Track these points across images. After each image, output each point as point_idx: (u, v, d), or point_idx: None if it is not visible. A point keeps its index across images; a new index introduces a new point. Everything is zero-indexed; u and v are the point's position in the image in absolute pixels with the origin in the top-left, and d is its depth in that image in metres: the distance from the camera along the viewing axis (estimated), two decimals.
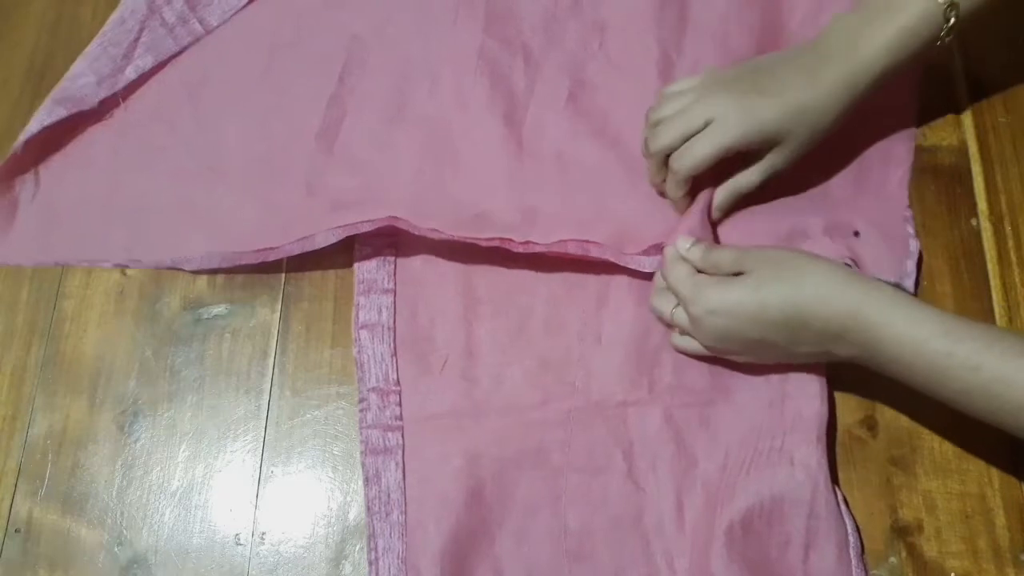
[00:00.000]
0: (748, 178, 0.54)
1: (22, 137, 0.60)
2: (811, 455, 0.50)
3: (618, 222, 0.56)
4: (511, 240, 0.54)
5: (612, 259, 0.55)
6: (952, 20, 0.50)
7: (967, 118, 0.60)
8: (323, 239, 0.55)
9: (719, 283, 0.49)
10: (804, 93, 0.51)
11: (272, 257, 0.57)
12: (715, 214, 0.55)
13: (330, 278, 0.58)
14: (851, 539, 0.49)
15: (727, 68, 0.54)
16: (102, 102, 0.62)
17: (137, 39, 0.64)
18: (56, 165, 0.62)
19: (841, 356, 0.48)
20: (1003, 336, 0.43)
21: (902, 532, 0.51)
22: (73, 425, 0.56)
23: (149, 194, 0.61)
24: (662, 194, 0.56)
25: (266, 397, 0.56)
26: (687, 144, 0.52)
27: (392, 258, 0.58)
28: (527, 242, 0.54)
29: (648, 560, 0.50)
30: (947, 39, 0.51)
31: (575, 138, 0.59)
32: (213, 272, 0.59)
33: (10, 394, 0.57)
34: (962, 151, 0.59)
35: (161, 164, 0.62)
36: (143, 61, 0.64)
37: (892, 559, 0.50)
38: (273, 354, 0.57)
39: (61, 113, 0.61)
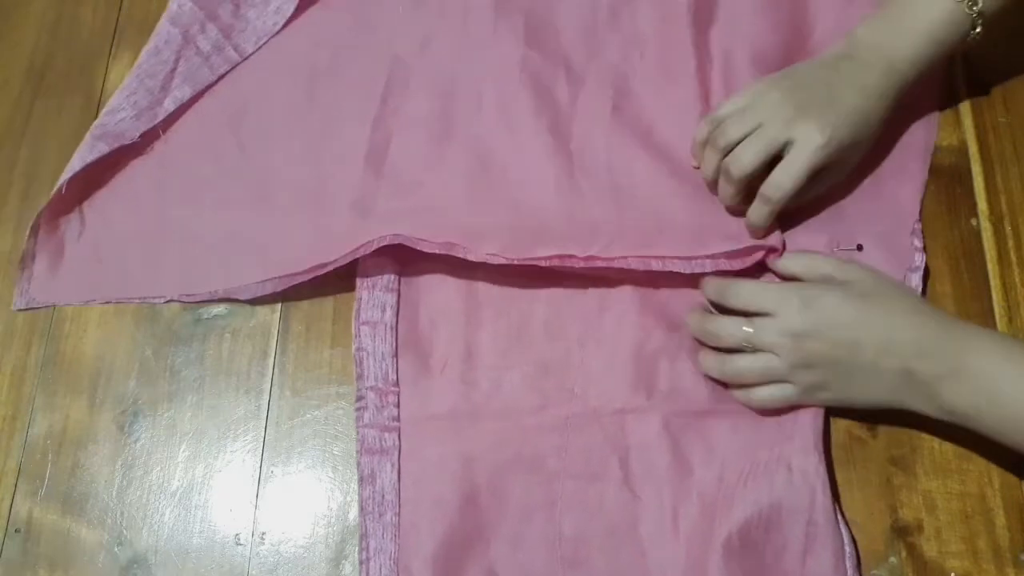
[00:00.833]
0: (816, 190, 0.54)
1: (65, 176, 0.60)
2: (809, 462, 0.50)
3: (678, 232, 0.55)
4: (573, 257, 0.54)
5: (679, 269, 0.54)
6: (979, 28, 0.52)
7: (967, 118, 0.60)
8: (378, 243, 0.54)
9: (819, 283, 0.51)
10: (860, 104, 0.52)
11: (323, 271, 0.56)
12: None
13: (330, 278, 0.57)
14: (847, 549, 0.49)
15: (774, 81, 0.54)
16: (143, 135, 0.62)
17: (174, 69, 0.64)
18: (100, 202, 0.62)
19: (920, 380, 0.47)
20: None
21: (902, 532, 0.51)
22: (73, 425, 0.56)
23: (197, 226, 0.60)
24: (735, 213, 0.56)
25: (266, 397, 0.56)
26: (779, 171, 0.52)
27: (397, 258, 0.57)
28: (589, 257, 0.54)
29: (643, 568, 0.50)
30: (974, 42, 0.53)
31: (624, 150, 0.58)
32: None
33: (10, 394, 0.57)
34: (962, 151, 0.59)
35: (207, 196, 0.61)
36: (181, 92, 0.63)
37: (892, 559, 0.50)
38: (273, 354, 0.57)
39: (103, 149, 0.60)
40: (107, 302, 0.59)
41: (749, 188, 0.54)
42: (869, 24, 0.54)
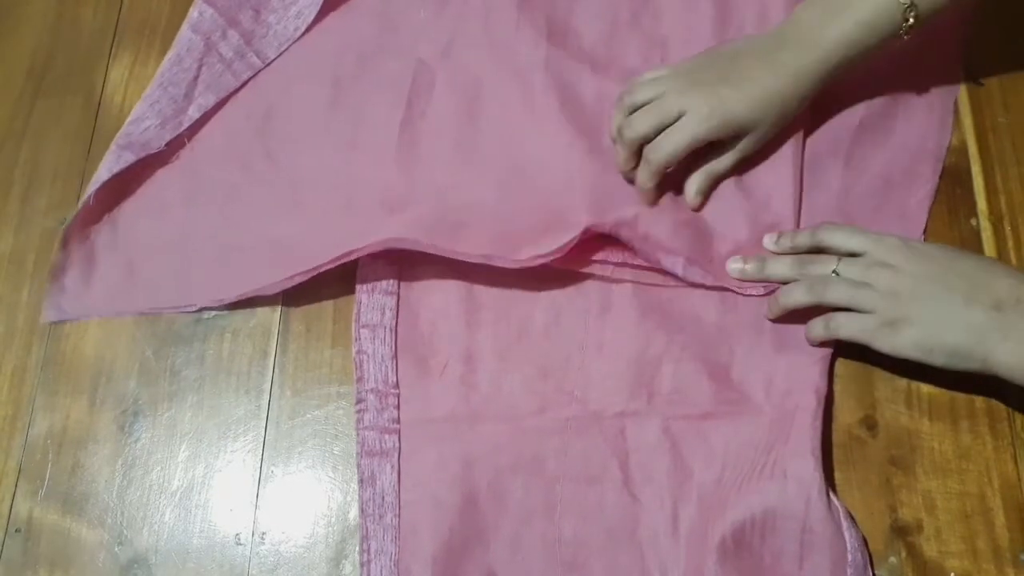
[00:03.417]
0: (722, 163, 0.56)
1: (92, 187, 0.59)
2: (804, 468, 0.49)
3: (700, 234, 0.56)
4: (606, 262, 0.56)
5: (682, 275, 0.55)
6: (911, 20, 0.52)
7: (967, 118, 0.60)
8: (411, 245, 0.54)
9: None
10: (767, 82, 0.54)
11: (350, 258, 0.55)
12: (695, 198, 0.57)
13: (330, 278, 0.57)
14: (851, 556, 0.48)
15: (694, 58, 0.57)
16: (168, 144, 0.61)
17: (196, 77, 0.63)
18: (129, 213, 0.61)
19: (1011, 318, 0.47)
20: None
21: (902, 532, 0.51)
22: (73, 425, 0.56)
23: (227, 234, 0.59)
24: (630, 181, 0.58)
25: (266, 397, 0.56)
26: (662, 136, 0.55)
27: (396, 261, 0.57)
28: (623, 258, 0.56)
29: (643, 571, 0.50)
30: (906, 36, 0.53)
31: None
32: None
33: (10, 394, 0.57)
34: (962, 151, 0.59)
35: (236, 203, 0.60)
36: (205, 99, 0.63)
37: (892, 559, 0.50)
38: (273, 354, 0.57)
39: (129, 159, 0.60)
40: (140, 314, 0.58)
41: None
42: (804, 8, 0.55)
